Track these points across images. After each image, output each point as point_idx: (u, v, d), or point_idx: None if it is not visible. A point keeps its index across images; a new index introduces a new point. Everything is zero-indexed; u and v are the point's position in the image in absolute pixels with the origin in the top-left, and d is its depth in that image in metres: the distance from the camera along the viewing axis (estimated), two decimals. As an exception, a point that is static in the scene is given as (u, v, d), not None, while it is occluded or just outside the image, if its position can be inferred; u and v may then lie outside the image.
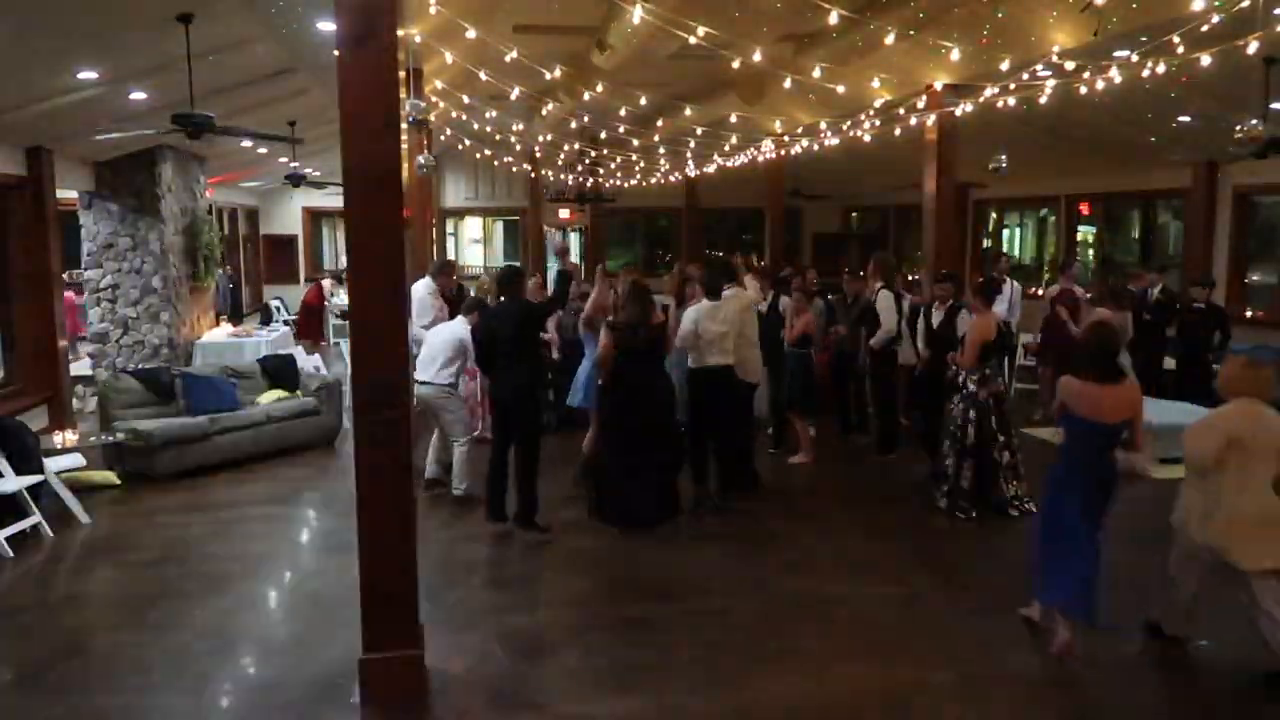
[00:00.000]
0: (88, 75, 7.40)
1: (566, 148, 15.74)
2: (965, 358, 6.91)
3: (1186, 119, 10.12)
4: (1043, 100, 7.85)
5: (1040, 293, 13.00)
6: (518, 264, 8.58)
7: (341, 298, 17.66)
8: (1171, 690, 4.61)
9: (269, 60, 8.44)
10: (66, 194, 10.38)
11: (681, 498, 7.02)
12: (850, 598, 5.63)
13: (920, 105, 9.43)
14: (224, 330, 13.05)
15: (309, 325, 16.62)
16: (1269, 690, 4.58)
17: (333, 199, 17.03)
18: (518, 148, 15.18)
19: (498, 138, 14.06)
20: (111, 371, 10.71)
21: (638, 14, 6.75)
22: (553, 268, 20.02)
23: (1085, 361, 4.77)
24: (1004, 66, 7.49)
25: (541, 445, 6.67)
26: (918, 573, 5.96)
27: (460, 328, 7.43)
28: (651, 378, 6.87)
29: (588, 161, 16.66)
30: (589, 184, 18.03)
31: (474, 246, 21.80)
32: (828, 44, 8.81)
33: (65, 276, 10.26)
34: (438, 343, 7.43)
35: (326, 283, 17.26)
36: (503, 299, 6.79)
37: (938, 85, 9.15)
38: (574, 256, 19.87)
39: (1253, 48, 5.77)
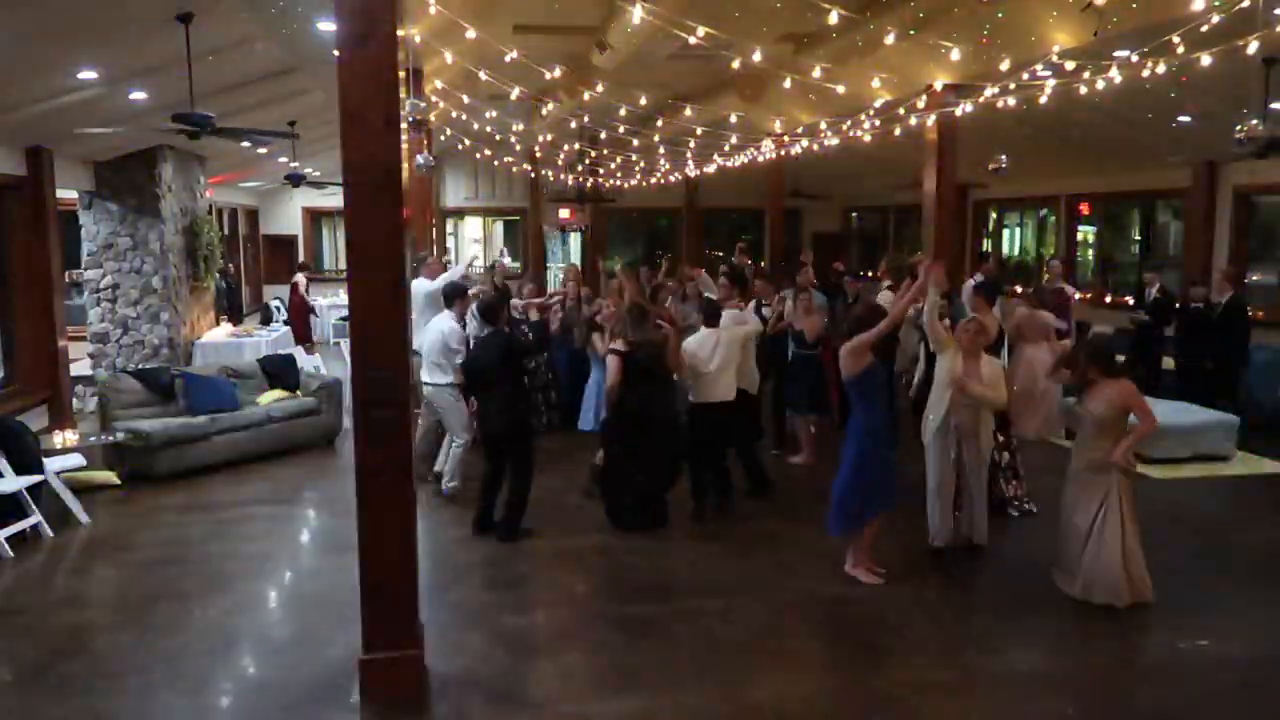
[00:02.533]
0: (88, 75, 7.40)
1: (566, 148, 15.72)
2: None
3: (1186, 119, 10.11)
4: (1043, 100, 7.84)
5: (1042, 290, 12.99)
6: (497, 291, 8.52)
7: (319, 296, 17.73)
8: (1171, 689, 4.61)
9: (269, 60, 8.45)
10: (66, 194, 10.38)
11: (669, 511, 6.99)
12: (850, 597, 5.63)
13: (920, 105, 9.43)
14: (224, 330, 13.05)
15: (297, 327, 16.54)
16: (1261, 687, 4.58)
17: (333, 199, 17.02)
18: (518, 148, 15.16)
19: (498, 138, 14.05)
20: (111, 371, 10.71)
21: (638, 14, 6.74)
22: (552, 268, 20.06)
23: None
24: (1004, 66, 7.49)
25: (533, 467, 6.71)
26: (917, 572, 5.96)
27: (443, 323, 7.39)
28: (657, 394, 6.81)
29: (588, 161, 16.65)
30: (589, 184, 18.01)
31: (474, 246, 21.79)
32: (828, 44, 8.81)
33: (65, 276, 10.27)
34: (427, 344, 7.44)
35: (299, 278, 17.08)
36: (486, 329, 6.86)
37: (938, 85, 9.15)
38: (573, 257, 19.89)
39: (1253, 48, 5.77)
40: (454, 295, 7.55)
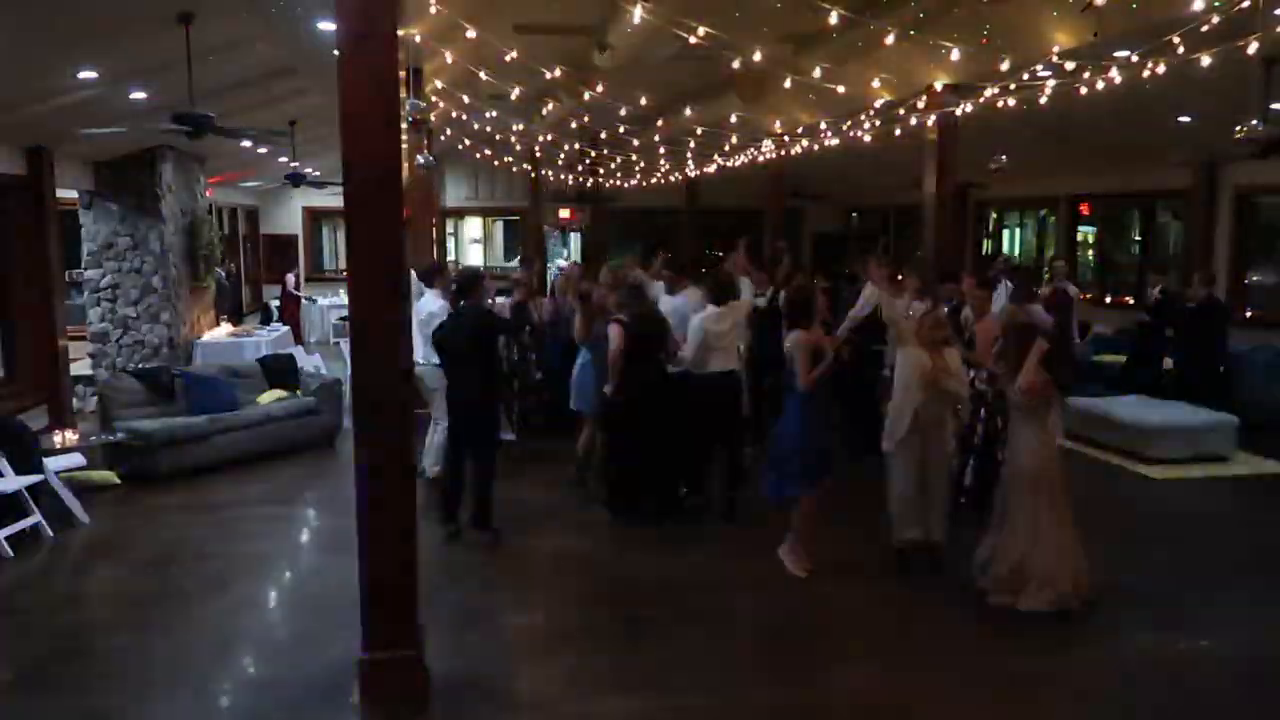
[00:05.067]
0: (88, 75, 7.40)
1: (566, 148, 15.72)
2: (979, 355, 6.83)
3: (1186, 119, 10.11)
4: (1043, 100, 7.84)
5: (1037, 292, 12.97)
6: (477, 266, 8.09)
7: (319, 296, 17.85)
8: (1171, 689, 4.61)
9: (269, 60, 8.44)
10: (66, 194, 10.38)
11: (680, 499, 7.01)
12: (850, 597, 5.63)
13: (920, 105, 9.42)
14: (224, 330, 13.06)
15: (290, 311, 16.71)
16: (1261, 687, 4.58)
17: (333, 199, 17.03)
18: (518, 148, 15.16)
19: (498, 138, 14.05)
20: (111, 371, 10.71)
21: (638, 14, 6.73)
22: (553, 265, 20.05)
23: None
24: (1004, 66, 7.49)
25: (495, 458, 6.58)
26: (918, 571, 5.95)
27: (432, 303, 7.39)
28: (661, 373, 6.84)
29: (588, 161, 16.65)
30: (589, 184, 18.01)
31: (474, 246, 21.81)
32: (828, 44, 8.80)
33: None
34: (423, 322, 7.44)
35: (289, 277, 17.29)
36: (461, 304, 6.60)
37: (938, 85, 9.15)
38: (574, 256, 19.90)
39: (1253, 48, 5.76)
40: (434, 274, 7.62)
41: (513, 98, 8.50)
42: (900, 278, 8.83)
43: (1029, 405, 5.33)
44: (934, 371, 5.78)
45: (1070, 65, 7.09)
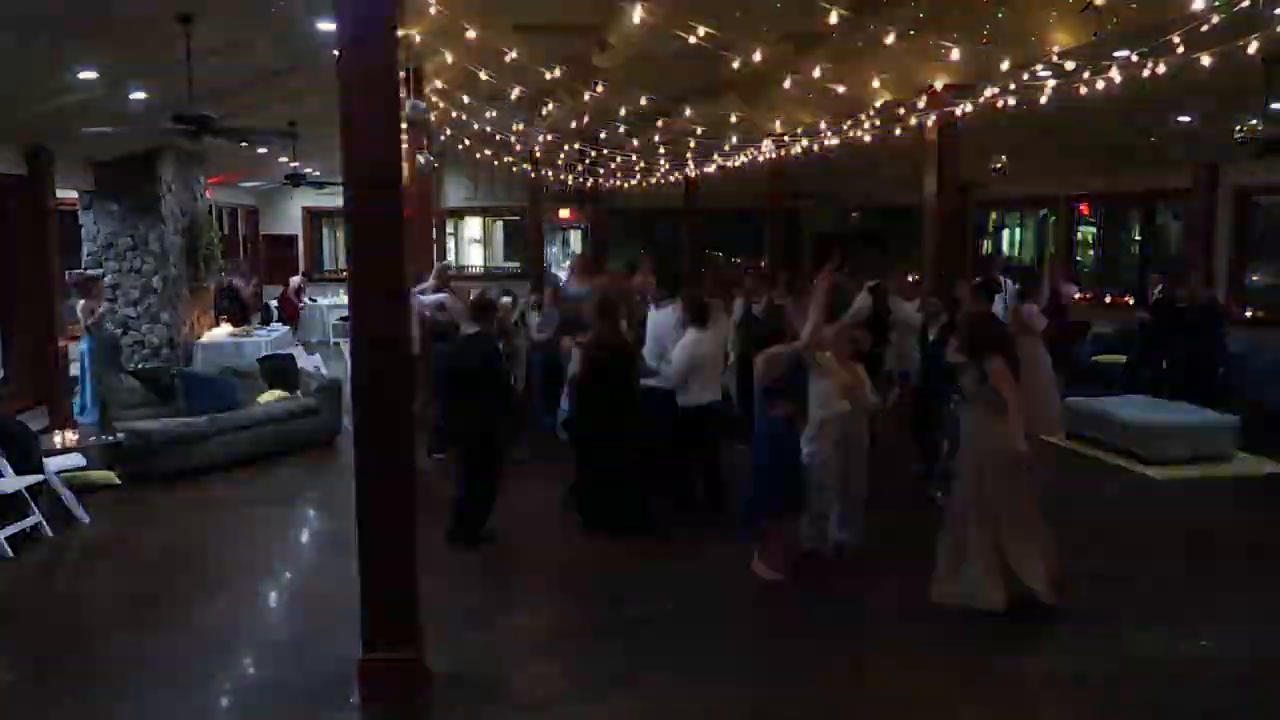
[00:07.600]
0: (88, 75, 7.40)
1: (566, 148, 15.72)
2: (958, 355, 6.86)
3: (1186, 119, 10.11)
4: (1043, 100, 7.85)
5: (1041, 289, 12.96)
6: (490, 297, 7.69)
7: (319, 296, 18.07)
8: (1171, 689, 4.60)
9: (269, 60, 8.44)
10: (66, 194, 10.39)
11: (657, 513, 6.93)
12: (849, 596, 5.63)
13: (920, 105, 9.42)
14: (224, 330, 13.06)
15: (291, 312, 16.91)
16: (1261, 687, 4.58)
17: (333, 199, 17.04)
18: (518, 148, 15.16)
19: (498, 138, 14.05)
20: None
21: (638, 14, 6.73)
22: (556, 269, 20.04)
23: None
24: (1004, 66, 7.50)
25: (495, 476, 6.53)
26: (917, 570, 5.94)
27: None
28: (622, 395, 6.72)
29: (588, 161, 16.65)
30: (589, 184, 18.01)
31: (474, 246, 21.79)
32: (828, 44, 8.80)
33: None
34: (428, 301, 7.54)
35: (294, 280, 17.51)
36: (471, 329, 6.59)
37: (938, 85, 9.15)
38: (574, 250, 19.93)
39: (1253, 48, 5.77)
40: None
41: (513, 98, 8.51)
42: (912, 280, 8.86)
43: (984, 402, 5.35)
44: (853, 386, 5.91)
45: (1070, 65, 7.10)
